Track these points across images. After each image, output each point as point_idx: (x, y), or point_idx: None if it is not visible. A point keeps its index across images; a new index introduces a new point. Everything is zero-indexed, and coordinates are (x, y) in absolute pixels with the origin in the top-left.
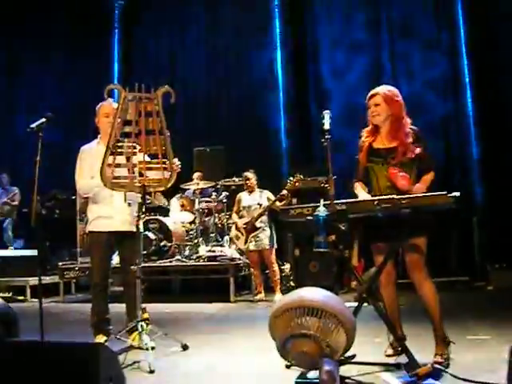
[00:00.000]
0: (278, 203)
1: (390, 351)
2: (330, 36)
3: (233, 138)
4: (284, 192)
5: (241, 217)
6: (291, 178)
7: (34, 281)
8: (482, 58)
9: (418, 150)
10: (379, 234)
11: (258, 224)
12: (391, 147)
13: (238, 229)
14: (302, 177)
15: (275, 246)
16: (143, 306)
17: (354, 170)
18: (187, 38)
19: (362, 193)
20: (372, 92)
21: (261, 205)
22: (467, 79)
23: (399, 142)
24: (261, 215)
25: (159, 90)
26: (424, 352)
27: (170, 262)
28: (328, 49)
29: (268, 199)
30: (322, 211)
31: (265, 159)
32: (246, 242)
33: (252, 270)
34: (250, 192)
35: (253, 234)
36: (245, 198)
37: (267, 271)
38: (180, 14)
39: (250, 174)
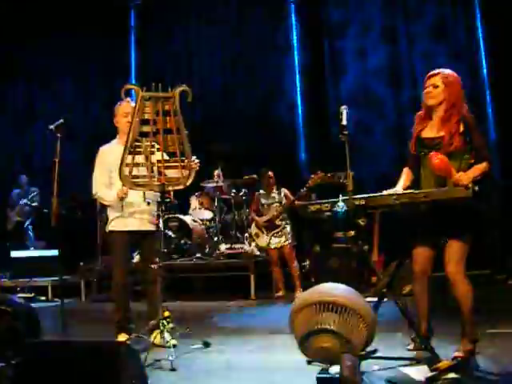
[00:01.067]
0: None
1: (412, 346)
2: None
3: (251, 136)
4: (302, 190)
5: (260, 215)
6: (312, 176)
7: (55, 281)
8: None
9: (465, 140)
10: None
11: (277, 222)
12: (438, 137)
13: (258, 227)
14: (323, 173)
15: (295, 242)
16: (164, 304)
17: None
18: (203, 37)
19: (400, 182)
20: (431, 72)
21: (280, 202)
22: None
23: (447, 131)
24: (281, 213)
25: (176, 89)
26: (446, 346)
27: (191, 259)
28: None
29: (286, 196)
30: (340, 207)
31: (282, 157)
32: (266, 240)
33: (273, 267)
34: (269, 190)
35: (273, 232)
36: (264, 194)
37: (287, 268)
38: (194, 14)
39: (270, 172)
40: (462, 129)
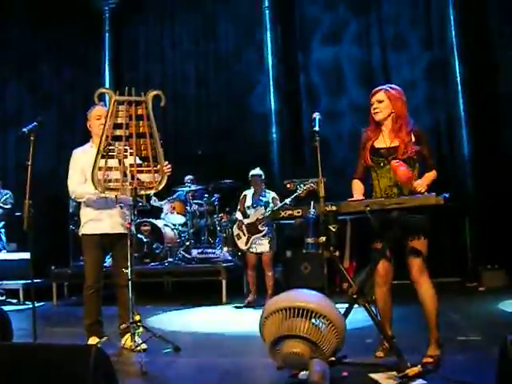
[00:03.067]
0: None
1: (381, 353)
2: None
3: (223, 141)
4: (287, 201)
5: (246, 216)
6: (302, 186)
7: (26, 284)
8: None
9: (417, 148)
10: (378, 234)
11: (260, 227)
12: (392, 147)
13: (240, 228)
14: (312, 185)
15: (275, 250)
16: (135, 308)
17: (356, 167)
18: (177, 39)
19: (356, 192)
20: (375, 89)
21: (266, 206)
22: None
23: (400, 141)
24: (264, 218)
25: (149, 93)
26: (414, 353)
27: (162, 264)
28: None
29: (273, 200)
30: (311, 212)
31: (255, 162)
32: (246, 243)
33: (248, 270)
34: (256, 191)
35: (255, 237)
36: (249, 196)
37: (263, 274)
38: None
39: (257, 172)
40: (413, 139)
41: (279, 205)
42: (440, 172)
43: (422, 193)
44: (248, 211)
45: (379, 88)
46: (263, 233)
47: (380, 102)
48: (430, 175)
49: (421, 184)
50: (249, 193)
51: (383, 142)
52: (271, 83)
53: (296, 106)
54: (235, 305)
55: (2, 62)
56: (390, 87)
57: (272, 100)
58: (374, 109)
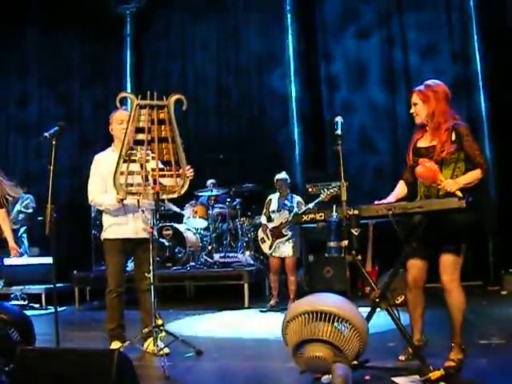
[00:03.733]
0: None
1: (404, 356)
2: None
3: (245, 145)
4: (310, 206)
5: (271, 220)
6: (325, 190)
7: (48, 288)
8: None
9: (455, 148)
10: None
11: (284, 231)
12: (431, 146)
13: (264, 232)
14: (336, 189)
15: (298, 255)
16: (157, 312)
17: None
18: (198, 48)
19: (392, 195)
20: (412, 90)
21: (291, 209)
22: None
23: (438, 140)
24: (288, 222)
25: (171, 97)
26: (437, 357)
27: (185, 268)
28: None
29: (298, 204)
30: (334, 216)
31: (277, 166)
32: (270, 247)
33: (271, 275)
34: (282, 195)
35: (278, 241)
36: (275, 200)
37: (285, 279)
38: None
39: (283, 176)
40: (453, 137)
41: (303, 209)
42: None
43: (453, 192)
44: (273, 215)
45: (414, 89)
46: (287, 237)
47: (415, 104)
48: (472, 174)
49: (450, 183)
50: (274, 197)
51: (424, 141)
52: (293, 87)
53: (318, 110)
54: (260, 309)
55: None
56: (425, 85)
57: (294, 103)
58: (412, 113)
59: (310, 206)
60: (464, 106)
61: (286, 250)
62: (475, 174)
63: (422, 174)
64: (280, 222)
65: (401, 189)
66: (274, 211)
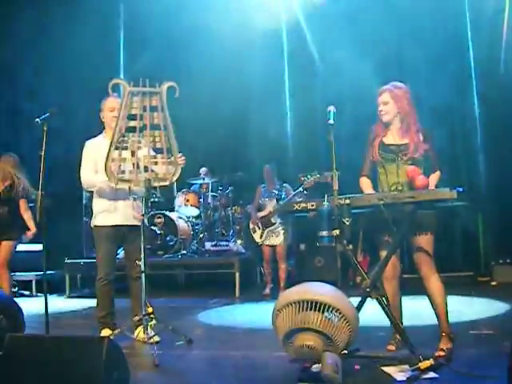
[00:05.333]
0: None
1: (393, 347)
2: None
3: (238, 132)
4: (294, 193)
5: (261, 209)
6: (308, 177)
7: (39, 275)
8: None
9: (426, 148)
10: (385, 228)
11: (273, 219)
12: (402, 144)
13: (254, 222)
14: (319, 175)
15: (289, 241)
16: (148, 300)
17: (361, 164)
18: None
19: (367, 188)
20: (381, 88)
21: (279, 197)
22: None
23: (410, 139)
24: (276, 211)
25: (164, 84)
26: (427, 346)
27: (176, 256)
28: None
29: (287, 192)
30: (325, 206)
31: (269, 155)
32: (261, 236)
33: (264, 263)
34: (270, 185)
35: (269, 229)
36: (263, 190)
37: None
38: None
39: (267, 166)
40: (421, 138)
41: (288, 198)
42: (453, 166)
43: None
44: (262, 204)
45: (384, 88)
46: (276, 225)
47: (385, 103)
48: (435, 177)
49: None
50: (263, 187)
51: (392, 139)
52: (286, 76)
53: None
54: (252, 299)
55: None
56: (394, 86)
57: (287, 94)
58: (380, 111)
59: (294, 193)
60: None
61: (276, 237)
62: (437, 176)
63: (422, 183)
64: (268, 210)
65: (369, 183)
66: (262, 200)
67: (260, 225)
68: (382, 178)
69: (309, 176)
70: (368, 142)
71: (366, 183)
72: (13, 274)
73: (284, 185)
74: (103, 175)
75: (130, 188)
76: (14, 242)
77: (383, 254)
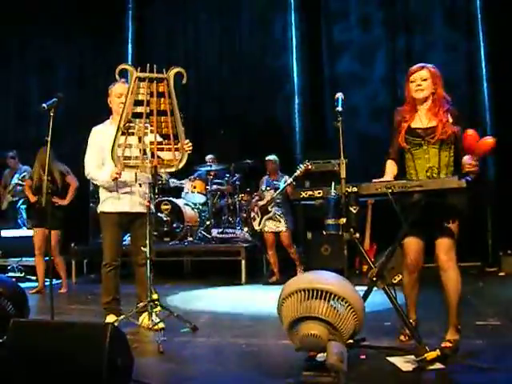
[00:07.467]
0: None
1: (404, 337)
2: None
3: (246, 122)
4: (289, 180)
5: (262, 198)
6: (301, 165)
7: (45, 261)
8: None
9: (456, 129)
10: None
11: (270, 207)
12: (430, 127)
13: (253, 209)
14: (311, 162)
15: (292, 227)
16: (153, 286)
17: (389, 147)
18: (200, 20)
19: (388, 174)
20: (418, 65)
21: (276, 189)
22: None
23: (438, 121)
24: (273, 199)
25: (171, 70)
26: (433, 337)
27: (182, 243)
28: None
29: (285, 183)
30: (332, 194)
31: (278, 144)
32: (259, 224)
33: (268, 250)
34: (271, 176)
35: (266, 217)
36: (265, 181)
37: (287, 253)
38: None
39: (271, 158)
40: (450, 120)
41: (282, 187)
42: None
43: (475, 172)
44: (263, 194)
45: (421, 65)
46: (272, 213)
47: (425, 80)
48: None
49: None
50: (265, 177)
51: (420, 122)
52: (294, 63)
53: (319, 88)
54: (260, 283)
55: None
56: (432, 66)
57: (296, 80)
58: (418, 85)
59: (288, 180)
60: None
61: (278, 225)
62: None
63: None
64: (267, 200)
65: (394, 168)
66: (263, 190)
67: (259, 213)
68: (409, 165)
69: (301, 165)
70: (394, 125)
71: (389, 167)
72: (19, 259)
73: (284, 176)
74: (109, 167)
75: (136, 174)
76: (60, 231)
77: (410, 245)
